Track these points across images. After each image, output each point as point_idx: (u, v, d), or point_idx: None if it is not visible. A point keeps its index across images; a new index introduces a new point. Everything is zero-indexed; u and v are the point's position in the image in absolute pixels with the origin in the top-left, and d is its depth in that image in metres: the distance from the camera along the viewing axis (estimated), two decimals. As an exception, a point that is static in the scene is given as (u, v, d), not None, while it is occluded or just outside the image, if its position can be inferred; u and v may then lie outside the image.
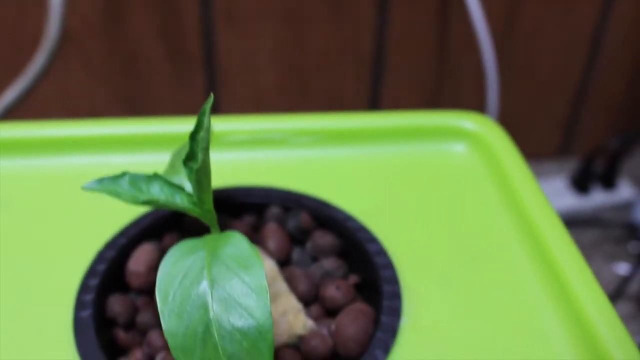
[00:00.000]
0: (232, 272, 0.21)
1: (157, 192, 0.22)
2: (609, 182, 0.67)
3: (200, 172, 0.21)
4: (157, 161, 0.31)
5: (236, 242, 0.21)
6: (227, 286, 0.20)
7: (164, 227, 0.29)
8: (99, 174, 0.31)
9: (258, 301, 0.20)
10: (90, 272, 0.26)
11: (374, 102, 0.65)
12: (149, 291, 0.27)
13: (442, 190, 0.31)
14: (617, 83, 0.69)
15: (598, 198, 0.67)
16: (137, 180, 0.22)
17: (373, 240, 0.28)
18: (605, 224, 0.66)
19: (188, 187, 0.23)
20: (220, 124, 0.32)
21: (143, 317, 0.26)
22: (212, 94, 0.21)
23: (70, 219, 0.29)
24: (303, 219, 0.29)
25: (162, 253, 0.28)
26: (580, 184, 0.67)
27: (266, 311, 0.20)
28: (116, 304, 0.26)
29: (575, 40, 0.64)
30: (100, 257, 0.27)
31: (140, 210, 0.29)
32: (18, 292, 0.26)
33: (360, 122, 0.33)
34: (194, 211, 0.23)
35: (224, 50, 0.58)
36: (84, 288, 0.26)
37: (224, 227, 0.29)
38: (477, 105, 0.65)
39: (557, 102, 0.69)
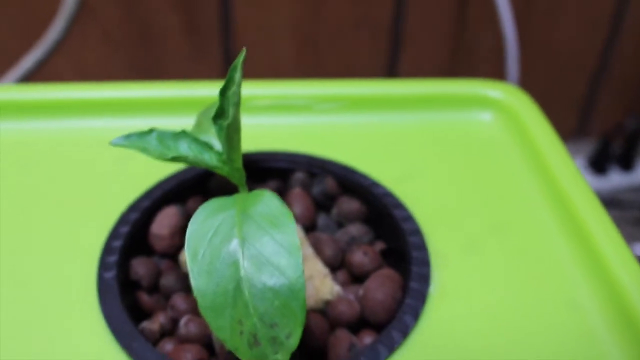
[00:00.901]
0: (263, 230, 0.20)
1: (185, 150, 0.22)
2: (626, 163, 0.66)
3: (230, 128, 0.21)
4: (180, 125, 0.31)
5: (267, 201, 0.21)
6: (258, 244, 0.20)
7: (187, 190, 0.28)
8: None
9: (290, 260, 0.20)
10: (114, 234, 0.26)
11: (390, 76, 0.64)
12: (172, 255, 0.27)
13: (469, 158, 0.31)
14: (636, 63, 0.68)
15: (616, 179, 0.66)
16: (165, 137, 0.22)
17: (400, 206, 0.27)
18: (623, 206, 0.65)
19: (217, 146, 0.23)
20: (244, 89, 0.32)
21: (167, 281, 0.26)
22: (244, 49, 0.21)
23: (94, 182, 0.29)
24: (328, 184, 0.28)
25: (186, 217, 0.27)
26: (598, 165, 0.66)
27: (298, 270, 0.19)
28: (140, 267, 0.26)
29: (595, 19, 0.63)
30: (123, 219, 0.26)
31: (163, 174, 0.28)
32: (42, 253, 0.25)
33: (386, 89, 0.32)
34: (223, 169, 0.22)
35: (240, 22, 0.58)
36: (107, 249, 0.25)
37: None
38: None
39: (575, 82, 0.68)
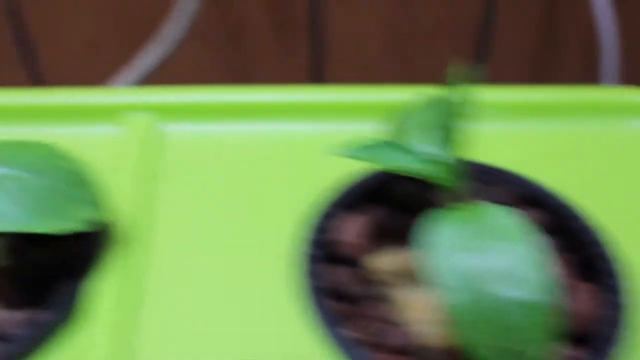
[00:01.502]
0: (503, 242, 0.20)
1: (410, 161, 0.22)
2: None
3: (455, 137, 0.21)
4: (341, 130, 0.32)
5: (498, 213, 0.21)
6: (500, 258, 0.20)
7: (370, 198, 0.28)
8: (293, 140, 0.32)
9: (535, 273, 0.20)
10: (309, 241, 0.26)
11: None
12: (359, 262, 0.27)
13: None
14: None
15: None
16: (391, 148, 0.22)
17: (582, 216, 0.27)
18: None
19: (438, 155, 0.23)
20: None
21: (357, 288, 0.26)
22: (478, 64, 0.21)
23: (268, 185, 0.29)
24: (505, 194, 0.28)
25: (369, 224, 0.27)
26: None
27: (544, 283, 0.20)
28: (331, 274, 0.26)
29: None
30: (314, 225, 0.27)
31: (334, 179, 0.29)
32: (233, 253, 0.27)
33: (551, 96, 0.33)
34: (449, 181, 0.22)
35: (330, 20, 0.58)
36: (305, 257, 0.26)
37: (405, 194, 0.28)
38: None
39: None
